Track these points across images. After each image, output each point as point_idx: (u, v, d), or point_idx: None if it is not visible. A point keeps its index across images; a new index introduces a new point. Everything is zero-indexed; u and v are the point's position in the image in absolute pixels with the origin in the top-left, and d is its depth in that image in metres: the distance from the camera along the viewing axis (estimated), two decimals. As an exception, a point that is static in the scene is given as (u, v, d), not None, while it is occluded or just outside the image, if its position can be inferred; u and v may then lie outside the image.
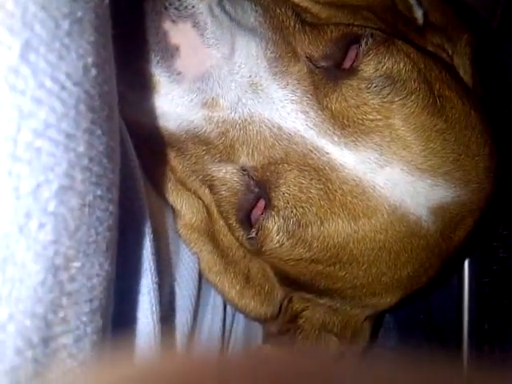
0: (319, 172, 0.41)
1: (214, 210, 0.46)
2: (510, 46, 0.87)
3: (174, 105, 0.40)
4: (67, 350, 0.22)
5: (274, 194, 0.41)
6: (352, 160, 0.41)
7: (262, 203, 0.43)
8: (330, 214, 0.41)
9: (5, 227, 0.18)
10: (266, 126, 0.40)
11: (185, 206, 0.47)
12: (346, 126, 0.41)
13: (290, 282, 0.48)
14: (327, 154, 0.41)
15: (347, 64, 0.42)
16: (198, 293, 0.47)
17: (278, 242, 0.42)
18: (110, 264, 0.26)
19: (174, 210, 0.47)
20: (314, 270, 0.44)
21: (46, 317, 0.21)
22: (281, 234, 0.42)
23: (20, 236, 0.19)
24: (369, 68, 0.41)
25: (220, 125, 0.41)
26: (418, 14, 0.55)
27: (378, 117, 0.41)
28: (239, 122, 0.41)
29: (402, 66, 0.42)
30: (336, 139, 0.41)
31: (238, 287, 0.49)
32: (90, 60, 0.24)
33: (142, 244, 0.36)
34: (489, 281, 0.79)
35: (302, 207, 0.41)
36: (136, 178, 0.37)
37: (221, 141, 0.41)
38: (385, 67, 0.41)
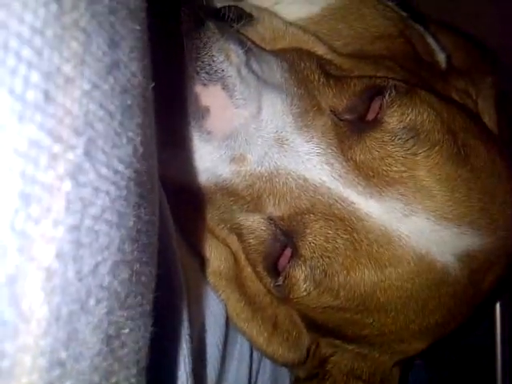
0: (345, 222, 0.42)
1: (242, 257, 0.48)
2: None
3: (204, 161, 0.43)
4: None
5: (300, 244, 0.43)
6: (377, 210, 0.42)
7: (288, 252, 0.45)
8: (356, 264, 0.42)
9: (69, 307, 0.20)
10: (291, 178, 0.43)
11: (213, 254, 0.49)
12: (370, 176, 0.42)
13: (318, 327, 0.50)
14: (353, 204, 0.42)
15: (371, 116, 0.45)
16: (225, 340, 0.49)
17: (306, 290, 0.43)
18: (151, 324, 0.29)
19: (202, 257, 0.50)
20: (341, 318, 0.46)
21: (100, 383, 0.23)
22: (308, 282, 0.43)
23: (81, 313, 0.21)
24: (392, 120, 0.43)
25: (247, 178, 0.43)
26: (441, 57, 0.57)
27: (403, 168, 0.42)
28: (265, 174, 0.43)
29: (425, 116, 0.43)
30: (361, 189, 0.42)
31: (265, 334, 0.50)
32: (138, 140, 0.27)
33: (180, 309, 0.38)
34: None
35: (329, 257, 0.42)
36: (172, 247, 0.40)
37: (248, 192, 0.44)
38: (408, 119, 0.43)
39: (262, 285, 0.48)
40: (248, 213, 0.45)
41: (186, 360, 0.38)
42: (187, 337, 0.39)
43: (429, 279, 0.44)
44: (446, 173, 0.43)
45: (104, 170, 0.23)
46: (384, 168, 0.42)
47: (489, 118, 0.51)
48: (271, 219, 0.45)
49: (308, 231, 0.43)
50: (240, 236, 0.47)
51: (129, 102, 0.26)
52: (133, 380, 0.26)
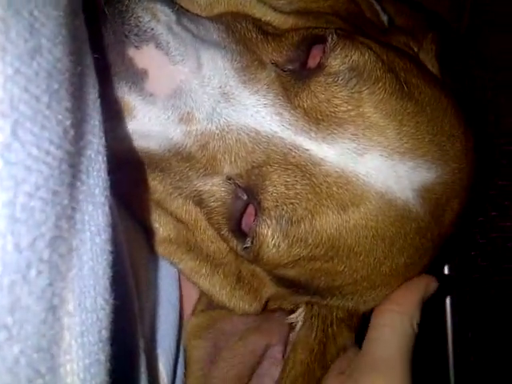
0: (302, 168, 0.43)
1: (201, 223, 0.49)
2: (476, 51, 0.93)
3: (152, 125, 0.43)
4: (75, 375, 0.27)
5: (262, 197, 0.44)
6: (331, 153, 0.43)
7: (251, 210, 0.46)
8: (319, 207, 0.43)
9: (11, 277, 0.23)
10: (243, 132, 0.43)
11: (161, 223, 0.50)
12: (320, 120, 0.44)
13: (289, 284, 0.50)
14: (307, 150, 0.43)
15: (312, 63, 0.46)
16: (180, 322, 0.52)
17: (275, 245, 0.44)
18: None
19: (148, 230, 0.51)
20: (312, 269, 0.47)
21: (50, 349, 0.25)
22: (275, 236, 0.44)
23: (23, 283, 0.24)
24: (335, 62, 0.44)
25: (199, 138, 0.44)
26: (384, 19, 0.59)
27: (349, 107, 0.44)
28: (217, 132, 0.44)
29: (366, 57, 0.45)
30: (313, 135, 0.43)
31: (228, 288, 0.51)
32: (68, 123, 0.29)
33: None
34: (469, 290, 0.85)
35: (292, 203, 0.43)
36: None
37: (202, 154, 0.44)
38: (350, 60, 0.44)
39: (230, 248, 0.49)
40: (206, 177, 0.46)
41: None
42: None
43: (392, 216, 0.45)
44: (391, 107, 0.44)
45: (34, 150, 0.25)
46: (331, 110, 0.43)
47: (431, 66, 0.53)
48: (229, 178, 0.45)
49: (267, 183, 0.43)
50: (199, 202, 0.47)
51: (55, 87, 0.28)
52: (94, 348, 0.28)
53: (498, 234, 0.93)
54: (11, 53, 0.24)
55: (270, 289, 0.52)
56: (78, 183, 0.30)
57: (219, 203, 0.46)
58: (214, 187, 0.46)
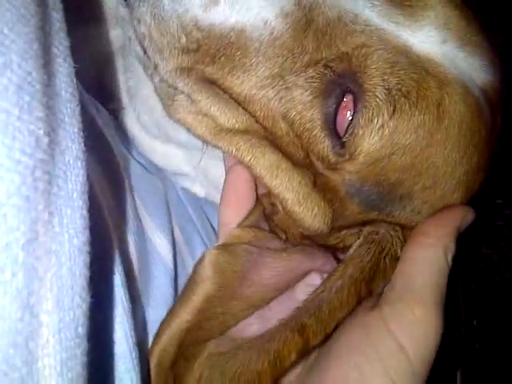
0: (399, 49, 0.45)
1: (282, 125, 0.47)
2: None
3: None
4: (52, 368, 0.29)
5: (366, 76, 0.44)
6: (420, 38, 0.45)
7: (345, 106, 0.45)
8: (422, 82, 0.44)
9: (-15, 280, 0.25)
10: (344, 11, 0.44)
11: (217, 107, 0.47)
12: (406, 6, 0.46)
13: (366, 196, 0.48)
14: (399, 35, 0.45)
15: None
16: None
17: (381, 126, 0.44)
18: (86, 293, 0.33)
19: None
20: (401, 166, 0.46)
21: (27, 345, 0.28)
22: (384, 112, 0.43)
23: (-2, 284, 0.26)
24: None
25: (307, 11, 0.43)
26: None
27: None
28: (323, 6, 0.44)
29: None
30: (401, 19, 0.45)
31: (305, 189, 0.48)
32: (41, 132, 0.31)
33: (112, 270, 0.42)
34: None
35: (399, 76, 0.44)
36: (103, 217, 0.44)
37: (305, 34, 0.44)
38: None
39: (314, 153, 0.47)
40: (300, 69, 0.45)
41: (129, 335, 0.43)
42: (128, 313, 0.43)
43: (473, 107, 0.46)
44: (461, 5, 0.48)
45: (6, 161, 0.27)
46: None
47: None
48: (326, 66, 0.45)
49: (369, 62, 0.44)
50: (288, 101, 0.45)
51: (27, 99, 0.30)
52: (72, 343, 0.30)
53: (503, 221, 0.93)
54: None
55: (342, 204, 0.49)
56: (55, 188, 0.32)
57: (313, 96, 0.45)
58: (309, 80, 0.45)
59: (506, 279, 0.87)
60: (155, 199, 0.57)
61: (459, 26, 0.47)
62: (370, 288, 0.48)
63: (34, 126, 0.30)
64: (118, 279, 0.42)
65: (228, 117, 0.47)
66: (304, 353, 0.47)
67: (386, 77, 0.44)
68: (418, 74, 0.44)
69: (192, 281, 0.48)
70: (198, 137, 0.49)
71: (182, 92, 0.48)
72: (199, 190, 0.63)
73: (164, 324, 0.48)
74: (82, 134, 0.37)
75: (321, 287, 0.48)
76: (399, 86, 0.44)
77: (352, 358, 0.44)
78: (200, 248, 0.60)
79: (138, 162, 0.59)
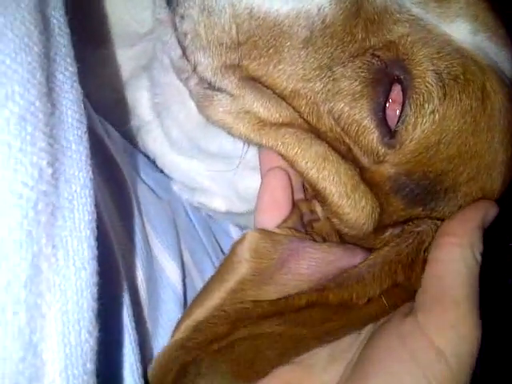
0: (441, 39, 0.46)
1: (326, 119, 0.46)
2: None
3: None
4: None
5: (415, 62, 0.44)
6: (454, 29, 0.46)
7: (397, 96, 0.45)
8: (467, 66, 0.45)
9: (-16, 321, 0.24)
10: (391, 1, 0.45)
11: (261, 103, 0.46)
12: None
13: (411, 190, 0.48)
14: (437, 25, 0.46)
15: None
16: None
17: (432, 112, 0.44)
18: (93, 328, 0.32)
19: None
20: (449, 154, 0.46)
21: (30, 385, 0.27)
22: (435, 92, 0.44)
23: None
24: None
25: None
26: None
27: None
28: None
29: None
30: (438, 10, 0.46)
31: (352, 181, 0.47)
32: (44, 162, 0.30)
33: (120, 301, 0.41)
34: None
35: (447, 60, 0.44)
36: (111, 245, 0.43)
37: (356, 21, 0.44)
38: None
39: (360, 145, 0.46)
40: (348, 59, 0.45)
41: (135, 367, 0.42)
42: (135, 344, 0.42)
43: (506, 97, 0.47)
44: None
45: (8, 195, 0.27)
46: None
47: None
48: (374, 55, 0.45)
49: (416, 49, 0.45)
50: (336, 93, 0.45)
51: (29, 130, 0.29)
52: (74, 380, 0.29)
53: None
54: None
55: (387, 200, 0.48)
56: (60, 220, 0.31)
57: (362, 86, 0.45)
58: (356, 70, 0.45)
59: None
60: (164, 223, 0.56)
61: (487, 18, 0.48)
62: (408, 275, 0.47)
63: (37, 157, 0.30)
64: (126, 310, 0.41)
65: (272, 111, 0.47)
66: (318, 304, 0.46)
67: (435, 61, 0.44)
68: (464, 59, 0.45)
69: (228, 260, 0.48)
70: (240, 136, 0.48)
71: (224, 90, 0.47)
72: (219, 205, 0.61)
73: (196, 301, 0.47)
74: (89, 161, 0.36)
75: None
76: (448, 70, 0.44)
77: (390, 366, 0.43)
78: (210, 271, 0.59)
79: (147, 185, 0.58)
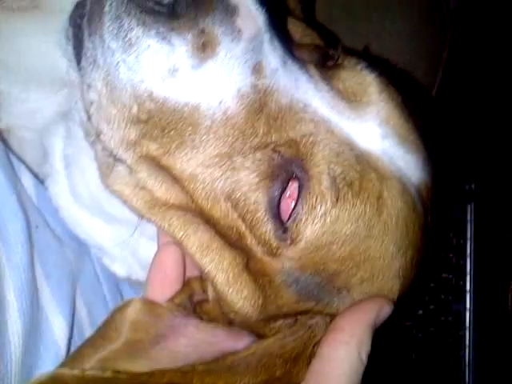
0: (345, 141, 0.46)
1: (222, 205, 0.46)
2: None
3: (228, 68, 0.43)
4: None
5: (312, 163, 0.45)
6: (362, 133, 0.47)
7: (292, 191, 0.46)
8: (365, 174, 0.46)
9: None
10: (295, 100, 0.46)
11: (155, 182, 0.46)
12: (351, 101, 0.48)
13: (303, 286, 0.47)
14: (344, 127, 0.47)
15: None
16: None
17: (324, 214, 0.44)
18: None
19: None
20: (342, 255, 0.46)
21: None
22: (327, 200, 0.44)
23: None
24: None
25: (261, 95, 0.44)
26: None
27: (374, 89, 0.50)
28: (275, 92, 0.45)
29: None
30: (347, 113, 0.48)
31: (236, 270, 0.47)
32: None
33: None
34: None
35: (344, 165, 0.45)
36: None
37: (257, 117, 0.44)
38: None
39: (255, 236, 0.46)
40: (249, 151, 0.45)
41: None
42: None
43: (408, 203, 0.48)
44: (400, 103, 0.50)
45: None
46: (361, 91, 0.49)
47: None
48: (275, 150, 0.45)
49: (316, 150, 0.45)
50: (233, 183, 0.45)
51: None
52: None
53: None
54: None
55: (277, 293, 0.48)
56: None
57: (260, 178, 0.45)
58: (256, 162, 0.45)
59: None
60: (60, 273, 0.54)
61: (399, 123, 0.49)
62: (289, 369, 0.47)
63: None
64: None
65: (164, 192, 0.47)
66: None
67: (331, 165, 0.45)
68: (361, 165, 0.46)
69: (107, 325, 0.48)
70: (133, 209, 0.49)
71: (123, 163, 0.47)
72: (119, 269, 0.61)
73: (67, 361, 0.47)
74: None
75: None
76: (343, 176, 0.45)
77: None
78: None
79: (53, 232, 0.57)
